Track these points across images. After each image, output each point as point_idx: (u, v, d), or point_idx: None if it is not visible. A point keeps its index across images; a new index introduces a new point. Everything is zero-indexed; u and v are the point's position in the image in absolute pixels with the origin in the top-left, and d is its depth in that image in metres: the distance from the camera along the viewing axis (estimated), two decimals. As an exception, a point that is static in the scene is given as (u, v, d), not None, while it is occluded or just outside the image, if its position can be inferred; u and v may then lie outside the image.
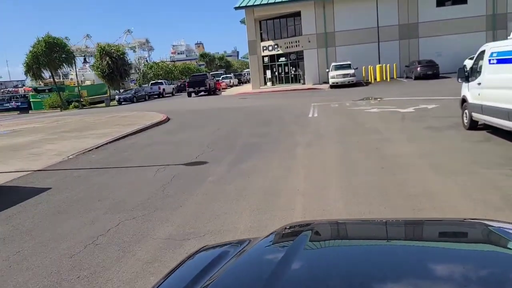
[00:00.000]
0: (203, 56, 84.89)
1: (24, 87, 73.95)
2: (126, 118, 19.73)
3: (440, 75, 30.62)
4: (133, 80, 57.83)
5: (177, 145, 11.40)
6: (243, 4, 36.46)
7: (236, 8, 36.11)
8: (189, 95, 38.13)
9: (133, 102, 39.49)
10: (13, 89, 76.78)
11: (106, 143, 12.21)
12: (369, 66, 33.51)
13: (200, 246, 2.07)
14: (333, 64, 32.57)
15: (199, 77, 39.63)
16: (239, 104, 25.33)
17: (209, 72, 52.86)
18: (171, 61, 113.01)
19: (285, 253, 1.50)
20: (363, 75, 33.79)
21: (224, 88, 46.48)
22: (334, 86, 30.81)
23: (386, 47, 35.04)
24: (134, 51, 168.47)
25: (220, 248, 1.85)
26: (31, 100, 55.88)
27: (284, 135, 11.77)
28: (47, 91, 58.97)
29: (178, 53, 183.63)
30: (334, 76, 30.66)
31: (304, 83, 37.86)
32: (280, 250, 1.62)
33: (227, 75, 55.08)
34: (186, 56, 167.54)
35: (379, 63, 33.80)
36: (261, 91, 34.89)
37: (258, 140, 11.16)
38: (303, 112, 17.11)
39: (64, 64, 37.93)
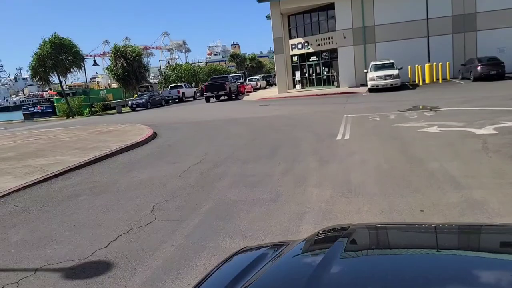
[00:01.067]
0: (233, 56, 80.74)
1: (49, 90, 72.48)
2: (106, 135, 15.65)
3: (506, 75, 24.94)
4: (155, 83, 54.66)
5: (115, 200, 6.98)
6: (267, -4, 31.89)
7: (259, 1, 31.55)
8: (207, 100, 33.93)
9: (147, 108, 35.78)
10: (39, 92, 75.69)
11: (16, 190, 7.97)
12: (416, 66, 28.07)
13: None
14: (373, 63, 27.40)
15: (218, 80, 35.36)
16: (254, 113, 20.78)
17: (237, 73, 48.27)
18: (206, 62, 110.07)
19: (323, 258, 1.47)
20: (409, 76, 28.38)
21: (249, 91, 42.06)
22: (374, 89, 25.68)
23: (437, 42, 29.41)
24: (171, 53, 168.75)
25: (258, 250, 1.86)
26: (55, 104, 53.88)
27: (290, 183, 7.08)
28: (71, 94, 56.82)
29: (214, 54, 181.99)
30: (374, 77, 25.51)
31: (338, 86, 32.81)
32: (317, 255, 1.60)
33: (254, 77, 50.58)
34: (222, 57, 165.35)
35: (429, 62, 28.28)
36: (287, 95, 30.16)
37: (241, 196, 6.55)
38: (330, 131, 12.34)
39: (73, 67, 34.55)
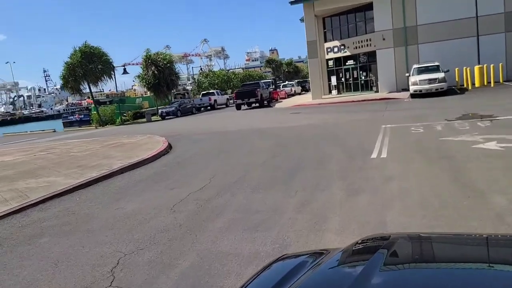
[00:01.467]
0: (269, 62, 79.23)
1: (87, 99, 73.79)
2: (118, 148, 14.47)
3: None
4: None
5: (79, 246, 5.49)
6: (300, -3, 30.16)
7: (292, 3, 29.89)
8: (238, 107, 32.52)
9: (177, 116, 34.86)
10: (77, 101, 77.23)
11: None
12: (464, 68, 25.42)
13: None
14: (415, 66, 25.06)
15: (249, 86, 33.89)
16: (283, 122, 19.11)
17: (267, 79, 46.67)
18: (243, 69, 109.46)
19: (362, 270, 1.44)
20: (457, 79, 25.78)
21: (282, 98, 40.35)
22: (417, 95, 23.35)
23: (488, 42, 26.63)
24: (210, 59, 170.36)
25: (297, 258, 1.87)
26: (93, 112, 54.41)
27: (304, 226, 5.32)
28: (108, 103, 57.29)
29: (253, 60, 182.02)
30: (417, 81, 23.19)
31: (377, 91, 30.53)
32: (356, 266, 1.56)
33: (288, 83, 48.80)
34: (260, 62, 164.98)
35: (479, 63, 25.58)
36: (321, 102, 28.24)
37: (236, 246, 4.87)
38: (365, 145, 10.49)
39: (104, 75, 34.15)
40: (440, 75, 23.03)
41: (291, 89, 45.19)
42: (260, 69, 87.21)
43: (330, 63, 34.77)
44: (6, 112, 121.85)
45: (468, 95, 22.08)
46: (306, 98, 33.35)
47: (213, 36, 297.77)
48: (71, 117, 54.99)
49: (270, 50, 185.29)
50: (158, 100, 40.12)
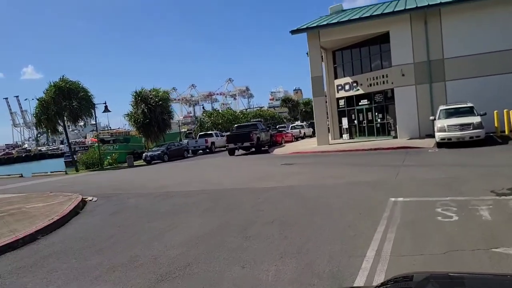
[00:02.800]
0: (285, 101, 75.12)
1: (91, 138, 70.77)
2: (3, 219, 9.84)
3: None
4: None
5: None
6: (304, 26, 25.83)
7: (292, 32, 25.60)
8: (231, 152, 27.85)
9: (163, 160, 30.44)
10: (81, 139, 74.39)
11: None
12: (505, 111, 20.20)
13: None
14: (442, 108, 20.03)
15: (244, 129, 29.30)
16: (264, 179, 14.25)
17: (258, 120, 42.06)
18: (268, 108, 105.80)
19: None
20: (496, 124, 20.50)
21: (288, 141, 35.53)
22: (445, 143, 18.22)
23: (534, 79, 21.49)
24: (234, 98, 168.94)
25: None
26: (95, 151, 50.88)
27: None
28: (111, 142, 53.76)
29: (276, 100, 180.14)
30: (445, 127, 18.09)
31: (395, 136, 25.41)
32: None
33: (298, 124, 44.02)
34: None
35: (524, 105, 20.32)
36: (327, 149, 23.26)
37: None
38: (351, 247, 5.59)
39: (84, 113, 30.26)
40: (475, 119, 17.89)
41: (300, 131, 40.27)
42: (274, 108, 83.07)
43: (341, 102, 30.01)
44: (22, 149, 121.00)
45: (513, 146, 16.85)
46: (311, 143, 28.41)
47: (239, 75, 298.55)
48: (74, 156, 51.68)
49: (294, 90, 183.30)
50: (149, 141, 36.00)
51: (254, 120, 39.51)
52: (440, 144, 18.44)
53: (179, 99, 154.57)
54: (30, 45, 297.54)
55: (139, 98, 34.22)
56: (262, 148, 28.71)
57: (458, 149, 17.48)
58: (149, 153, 31.04)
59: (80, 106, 28.74)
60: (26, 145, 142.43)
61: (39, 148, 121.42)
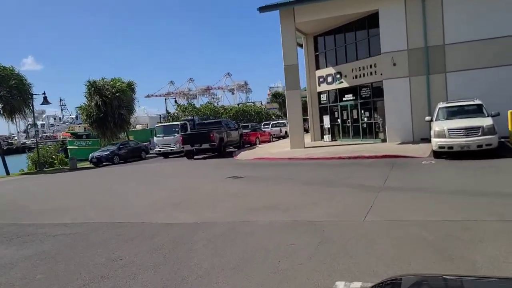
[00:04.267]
0: (275, 96, 70.30)
1: (63, 132, 66.10)
2: None
3: None
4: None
5: None
6: (275, 2, 21.16)
7: (261, 10, 20.95)
8: (188, 155, 23.31)
9: (113, 163, 25.90)
10: (52, 134, 69.61)
11: None
12: (523, 110, 15.73)
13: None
14: (442, 106, 15.50)
15: (206, 127, 24.76)
16: (174, 209, 9.73)
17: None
18: (259, 102, 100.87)
19: None
20: (510, 128, 16.00)
21: (265, 141, 31.02)
22: (445, 153, 13.77)
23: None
24: (233, 93, 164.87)
25: None
26: (68, 147, 46.36)
27: None
28: (84, 137, 49.23)
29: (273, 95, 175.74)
30: (444, 131, 13.57)
31: (384, 140, 20.93)
32: None
33: (279, 121, 39.42)
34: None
35: (546, 104, 15.82)
36: (297, 155, 18.75)
37: None
38: None
39: (21, 105, 25.67)
40: (486, 121, 13.38)
41: (280, 130, 35.60)
42: (261, 103, 78.22)
43: (323, 97, 25.48)
44: (4, 141, 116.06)
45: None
46: (286, 146, 23.84)
47: (237, 70, 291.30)
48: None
49: (303, 88, 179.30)
50: (104, 139, 31.44)
51: (213, 118, 33.78)
52: (438, 154, 13.95)
53: (176, 93, 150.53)
54: (29, 36, 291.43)
55: (93, 88, 29.60)
56: (227, 150, 24.22)
57: (462, 161, 13.02)
58: (96, 154, 26.47)
59: (11, 96, 24.09)
60: (15, 137, 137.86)
61: (23, 141, 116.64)
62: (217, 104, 77.76)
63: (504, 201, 7.61)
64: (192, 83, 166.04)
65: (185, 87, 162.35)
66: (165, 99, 52.12)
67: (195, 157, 23.43)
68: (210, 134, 22.04)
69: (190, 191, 12.05)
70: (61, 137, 61.27)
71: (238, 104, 63.08)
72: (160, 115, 65.01)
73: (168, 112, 42.78)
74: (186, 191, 12.11)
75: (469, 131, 13.19)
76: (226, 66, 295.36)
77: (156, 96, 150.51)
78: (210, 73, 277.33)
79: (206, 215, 8.69)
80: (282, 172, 14.62)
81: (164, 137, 26.38)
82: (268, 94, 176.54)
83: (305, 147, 21.54)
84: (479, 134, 13.05)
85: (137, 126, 64.22)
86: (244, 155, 21.75)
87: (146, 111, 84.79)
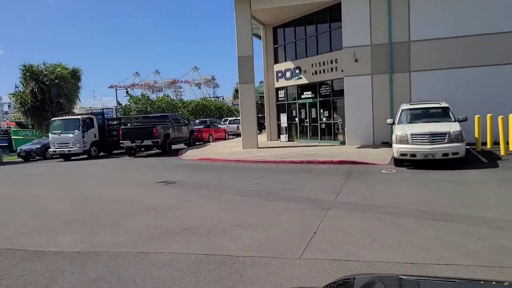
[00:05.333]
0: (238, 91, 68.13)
1: (7, 121, 61.60)
2: None
3: None
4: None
5: None
6: (230, -14, 19.12)
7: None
8: (129, 152, 20.92)
9: (44, 157, 23.11)
10: (-4, 122, 64.93)
11: None
12: (489, 116, 14.40)
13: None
14: (405, 107, 13.91)
15: (150, 121, 22.46)
16: (37, 234, 7.51)
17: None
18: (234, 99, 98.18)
19: None
20: (476, 135, 14.64)
21: (219, 139, 28.99)
22: (407, 161, 12.20)
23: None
24: (199, 87, 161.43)
25: None
26: (12, 137, 42.65)
27: None
28: (30, 126, 45.53)
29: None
30: (407, 137, 11.94)
31: (343, 142, 19.32)
32: None
33: (238, 118, 37.36)
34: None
35: (515, 109, 14.55)
36: (246, 157, 16.82)
37: None
38: None
39: None
40: (453, 126, 11.86)
41: (238, 127, 33.54)
42: (222, 98, 75.81)
43: (281, 94, 23.68)
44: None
45: (506, 168, 10.96)
46: (238, 145, 21.83)
47: (205, 65, 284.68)
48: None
49: (260, 82, 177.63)
50: (41, 130, 28.46)
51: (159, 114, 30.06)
52: (400, 161, 12.34)
53: (141, 85, 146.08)
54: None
55: (29, 74, 26.57)
56: (176, 148, 22.00)
57: (425, 171, 11.46)
58: (25, 147, 23.56)
59: None
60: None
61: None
62: (180, 98, 74.90)
63: (476, 231, 5.92)
64: (158, 76, 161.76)
65: (151, 79, 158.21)
66: (127, 90, 48.75)
67: (136, 154, 21.06)
68: (153, 130, 19.72)
69: (101, 201, 9.82)
70: (5, 126, 56.93)
71: (202, 99, 60.24)
72: (115, 107, 61.52)
73: (119, 104, 39.85)
74: (96, 201, 9.86)
75: (434, 137, 11.62)
76: (194, 60, 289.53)
77: (120, 87, 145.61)
78: (177, 67, 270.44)
79: (100, 240, 6.59)
80: (222, 177, 12.61)
81: (62, 134, 21.09)
82: (235, 90, 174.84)
83: (258, 147, 19.65)
84: (445, 141, 11.51)
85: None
86: (191, 154, 19.59)
87: (102, 101, 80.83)
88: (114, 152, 23.60)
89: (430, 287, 1.82)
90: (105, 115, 24.02)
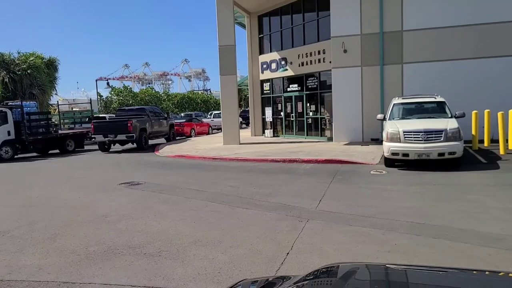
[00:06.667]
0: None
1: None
2: None
3: None
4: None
5: None
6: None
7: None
8: (102, 147, 19.55)
9: (13, 155, 21.39)
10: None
11: None
12: (486, 112, 13.32)
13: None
14: (397, 102, 12.70)
15: (125, 114, 21.06)
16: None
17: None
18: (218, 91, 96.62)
19: None
20: (473, 132, 13.54)
21: (202, 133, 27.68)
22: (399, 161, 11.04)
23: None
24: (189, 80, 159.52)
25: (258, 283, 1.83)
26: None
27: None
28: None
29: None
30: (399, 134, 10.76)
31: (330, 138, 18.15)
32: None
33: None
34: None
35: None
36: (225, 154, 15.58)
37: None
38: None
39: None
40: (450, 123, 10.71)
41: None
42: (211, 92, 74.24)
43: (266, 86, 22.41)
44: None
45: (507, 170, 9.86)
46: (219, 140, 20.52)
47: (196, 58, 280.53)
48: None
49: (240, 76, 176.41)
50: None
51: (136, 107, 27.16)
52: (391, 161, 11.17)
53: (131, 77, 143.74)
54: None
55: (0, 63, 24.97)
56: (153, 143, 20.65)
57: (419, 172, 10.31)
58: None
59: None
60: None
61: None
62: (167, 90, 73.24)
63: (485, 255, 4.76)
64: (148, 68, 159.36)
65: (141, 72, 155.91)
66: (107, 81, 46.74)
67: (110, 150, 19.69)
68: (128, 123, 18.35)
69: (47, 207, 8.49)
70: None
71: (188, 92, 58.63)
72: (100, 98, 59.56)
73: (100, 96, 38.20)
74: (42, 207, 8.53)
75: (429, 135, 10.46)
76: (185, 53, 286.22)
77: (109, 79, 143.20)
78: (167, 59, 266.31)
79: (24, 262, 5.31)
80: (193, 178, 11.34)
81: None
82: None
83: (240, 144, 18.41)
84: (441, 139, 10.35)
85: (75, 109, 58.68)
86: (168, 150, 18.27)
87: (86, 93, 78.80)
88: (49, 152, 21.10)
89: (418, 276, 1.74)
90: (28, 109, 20.05)
